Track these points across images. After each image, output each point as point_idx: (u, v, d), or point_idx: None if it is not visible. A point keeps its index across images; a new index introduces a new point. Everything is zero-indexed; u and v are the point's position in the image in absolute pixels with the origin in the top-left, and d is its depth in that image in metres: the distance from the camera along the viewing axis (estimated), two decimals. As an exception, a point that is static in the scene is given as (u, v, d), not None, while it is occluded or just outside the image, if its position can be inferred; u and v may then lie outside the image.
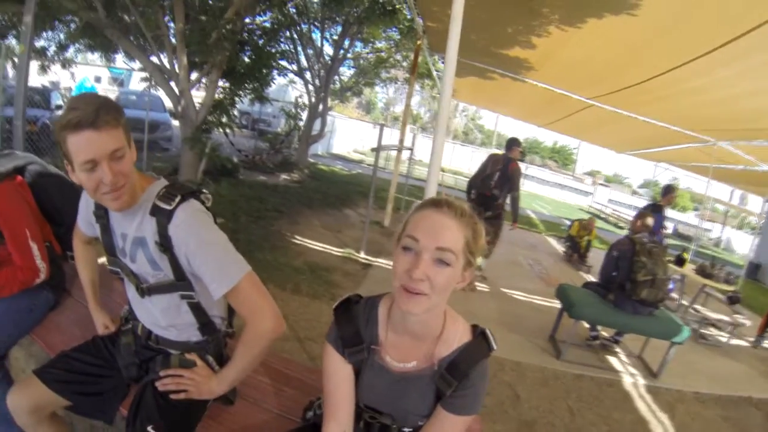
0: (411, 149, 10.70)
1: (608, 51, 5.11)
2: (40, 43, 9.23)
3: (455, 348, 1.29)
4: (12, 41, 8.19)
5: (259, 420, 1.76)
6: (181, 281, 1.52)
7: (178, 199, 1.45)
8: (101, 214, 1.58)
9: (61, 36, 9.56)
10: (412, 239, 1.14)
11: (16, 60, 5.95)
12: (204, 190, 1.61)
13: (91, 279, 1.97)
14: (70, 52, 9.97)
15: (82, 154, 1.28)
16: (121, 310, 1.85)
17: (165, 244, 1.44)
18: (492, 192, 5.99)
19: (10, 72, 7.20)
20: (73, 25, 9.07)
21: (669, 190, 6.98)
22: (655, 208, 6.73)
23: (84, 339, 1.84)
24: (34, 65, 8.13)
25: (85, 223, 1.74)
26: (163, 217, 1.43)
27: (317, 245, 6.68)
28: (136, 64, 9.49)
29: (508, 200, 6.21)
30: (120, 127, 1.34)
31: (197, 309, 1.61)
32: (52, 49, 9.60)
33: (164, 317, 1.62)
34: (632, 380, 4.30)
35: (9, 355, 2.13)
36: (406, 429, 1.38)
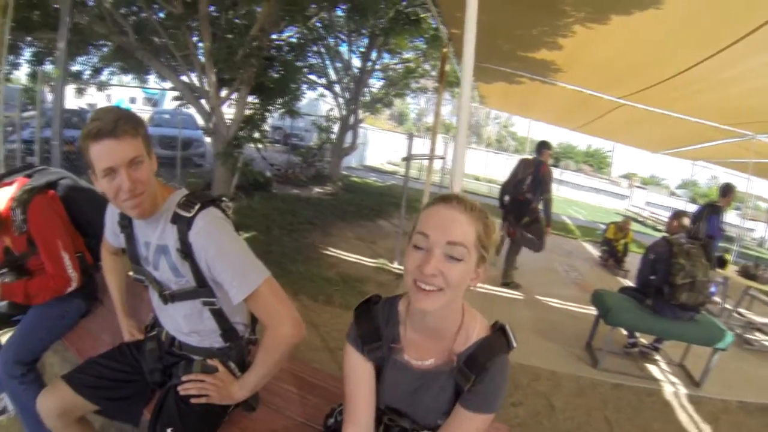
0: (443, 158, 10.63)
1: (635, 47, 4.98)
2: (75, 68, 9.58)
3: (473, 342, 1.28)
4: (49, 67, 8.49)
5: (281, 427, 1.77)
6: (202, 288, 1.56)
7: (197, 207, 1.49)
8: (125, 223, 1.64)
9: (95, 60, 9.89)
10: (423, 236, 1.13)
11: (53, 85, 6.17)
12: (224, 198, 1.64)
13: (118, 287, 2.04)
14: (105, 75, 10.32)
15: (102, 161, 1.35)
16: (148, 318, 1.90)
17: (186, 251, 1.49)
18: (525, 196, 5.95)
19: (49, 96, 7.47)
20: (105, 49, 9.38)
21: (728, 190, 6.61)
22: (713, 210, 6.47)
23: (113, 345, 1.91)
24: (70, 89, 8.45)
25: (112, 233, 1.80)
26: (183, 225, 1.48)
27: (350, 256, 6.70)
28: (168, 84, 9.73)
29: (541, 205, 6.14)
30: (139, 136, 1.40)
31: (219, 315, 1.65)
32: (87, 72, 9.94)
33: (187, 323, 1.67)
34: (673, 389, 4.14)
35: (42, 359, 2.24)
36: (424, 431, 1.36)
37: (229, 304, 1.57)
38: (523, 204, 5.96)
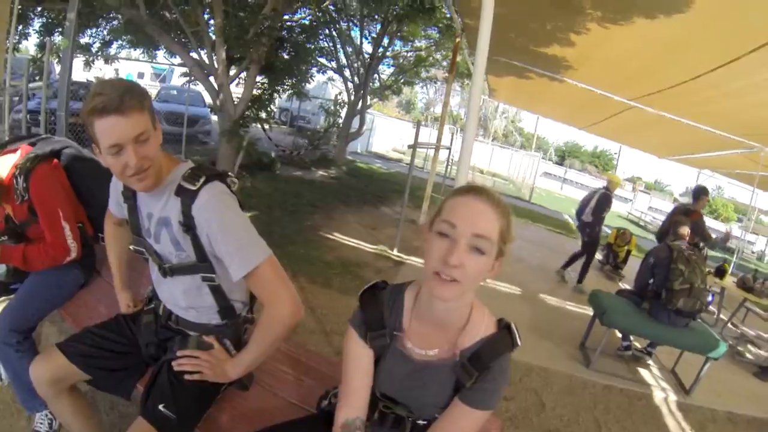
0: (449, 148, 10.63)
1: (650, 49, 4.96)
2: (84, 40, 9.52)
3: (479, 339, 1.27)
4: (57, 38, 8.44)
5: (273, 407, 1.76)
6: (202, 263, 1.54)
7: (202, 180, 1.47)
8: (129, 194, 1.61)
9: (105, 33, 9.84)
10: (449, 225, 1.12)
11: (61, 56, 6.14)
12: (230, 174, 1.61)
13: (118, 259, 2.02)
14: (113, 49, 10.26)
15: (108, 138, 1.31)
16: (146, 291, 1.89)
17: (188, 224, 1.47)
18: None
19: (57, 68, 7.43)
20: (115, 22, 9.32)
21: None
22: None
23: (109, 317, 1.89)
24: (78, 61, 8.38)
25: (115, 204, 1.78)
26: (187, 198, 1.45)
27: (351, 241, 6.70)
28: (177, 60, 9.68)
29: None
30: (144, 110, 1.36)
31: (218, 292, 1.63)
32: (96, 45, 9.89)
33: (185, 298, 1.65)
34: (663, 395, 4.15)
35: (39, 329, 2.26)
36: (420, 421, 1.37)
37: (228, 281, 1.55)
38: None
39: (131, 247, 1.74)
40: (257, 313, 1.72)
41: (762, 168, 8.23)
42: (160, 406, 1.52)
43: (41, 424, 2.14)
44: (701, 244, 6.02)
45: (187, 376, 1.57)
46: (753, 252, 23.06)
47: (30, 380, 1.67)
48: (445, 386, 1.30)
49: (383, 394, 1.37)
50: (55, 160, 2.11)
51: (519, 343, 1.28)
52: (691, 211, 6.03)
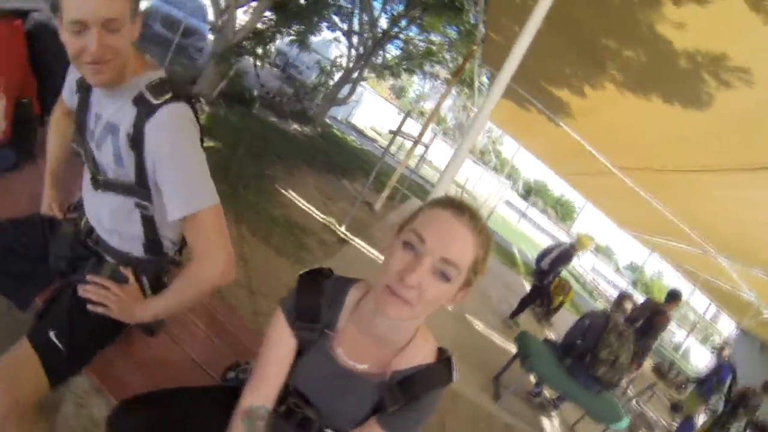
0: (426, 147, 10.61)
1: (655, 128, 4.96)
2: None
3: (415, 365, 1.16)
4: None
5: (175, 360, 1.62)
6: (140, 187, 1.34)
7: (167, 96, 1.26)
8: (84, 85, 1.39)
9: None
10: (419, 238, 0.97)
11: None
12: (201, 99, 1.41)
13: (56, 153, 1.76)
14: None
15: (73, 11, 1.09)
16: (74, 198, 1.65)
17: (136, 140, 1.26)
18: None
19: None
20: None
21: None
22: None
23: (30, 212, 1.67)
24: None
25: (69, 90, 1.52)
26: (144, 110, 1.25)
27: (303, 204, 6.50)
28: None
29: None
30: None
31: (149, 222, 1.43)
32: None
33: (111, 219, 1.44)
34: (556, 450, 4.22)
35: None
36: (328, 430, 1.23)
37: (163, 215, 1.35)
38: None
39: (73, 145, 1.53)
40: (185, 258, 1.53)
41: (708, 272, 8.53)
42: (51, 333, 1.33)
43: None
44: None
45: (89, 306, 1.38)
46: (671, 341, 24.09)
47: None
48: (364, 402, 1.18)
49: (297, 389, 1.23)
50: (18, 21, 1.87)
51: (455, 378, 1.18)
52: (661, 311, 6.11)
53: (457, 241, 0.98)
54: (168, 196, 1.27)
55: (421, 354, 1.17)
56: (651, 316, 6.03)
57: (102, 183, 1.39)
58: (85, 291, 1.38)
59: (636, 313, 6.13)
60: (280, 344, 1.20)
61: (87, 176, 1.46)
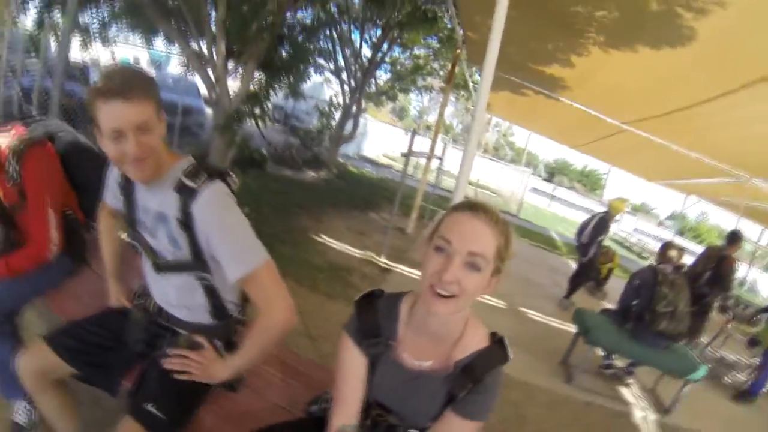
0: (441, 158, 10.68)
1: (648, 76, 4.99)
2: (83, 20, 9.39)
3: (472, 352, 1.30)
4: (57, 15, 8.33)
5: (259, 409, 1.76)
6: (198, 261, 1.52)
7: (204, 178, 1.45)
8: (126, 185, 1.59)
9: (105, 14, 9.71)
10: (446, 241, 1.14)
11: (59, 35, 6.06)
12: (231, 173, 1.60)
13: (112, 251, 1.98)
14: (113, 31, 10.13)
15: (110, 122, 1.30)
16: (137, 286, 1.85)
17: (186, 223, 1.45)
18: (701, 291, 5.76)
19: (53, 45, 7.33)
20: (117, 3, 9.21)
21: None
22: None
23: (97, 310, 1.86)
24: (74, 41, 8.27)
25: (111, 194, 1.73)
26: (187, 195, 1.43)
27: (338, 245, 6.68)
28: (175, 49, 9.60)
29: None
30: (150, 99, 1.35)
31: (211, 292, 1.61)
32: (95, 26, 9.76)
33: (177, 296, 1.63)
34: (642, 414, 4.20)
35: (22, 314, 2.17)
36: (411, 430, 1.37)
37: (222, 282, 1.54)
38: (698, 299, 5.52)
39: (126, 239, 1.70)
40: (249, 315, 1.70)
41: (747, 198, 8.37)
42: (149, 406, 1.50)
43: (20, 415, 2.06)
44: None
45: (176, 376, 1.55)
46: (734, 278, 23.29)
47: (8, 365, 1.64)
48: (437, 396, 1.31)
49: (376, 401, 1.38)
50: (49, 144, 2.06)
51: (511, 356, 1.30)
52: (725, 256, 5.95)
53: (478, 236, 1.14)
54: (225, 262, 1.44)
55: (475, 341, 1.31)
56: (716, 265, 5.90)
57: (163, 266, 1.58)
58: (169, 363, 1.56)
59: (700, 266, 6.05)
60: (354, 364, 1.33)
61: (147, 264, 1.65)
